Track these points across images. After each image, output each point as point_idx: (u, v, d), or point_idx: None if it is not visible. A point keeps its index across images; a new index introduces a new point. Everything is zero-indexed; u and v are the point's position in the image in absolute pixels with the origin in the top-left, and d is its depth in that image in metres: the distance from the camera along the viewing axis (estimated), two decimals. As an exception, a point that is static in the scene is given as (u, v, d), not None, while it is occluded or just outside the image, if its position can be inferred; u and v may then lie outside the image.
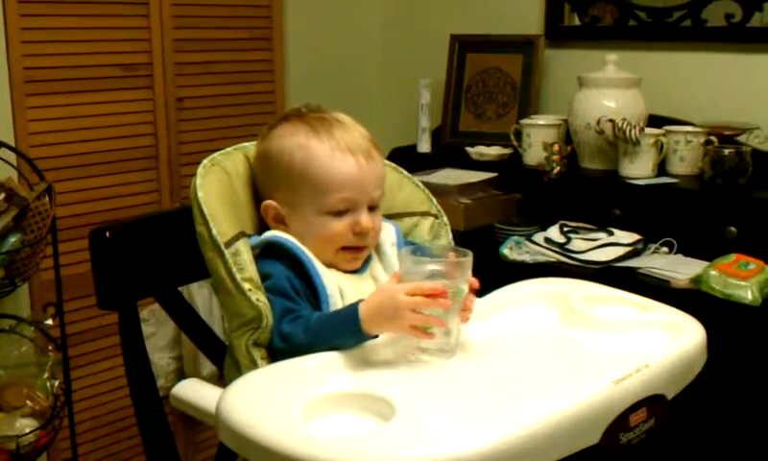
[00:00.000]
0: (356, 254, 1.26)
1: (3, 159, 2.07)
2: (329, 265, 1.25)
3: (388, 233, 1.33)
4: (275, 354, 1.17)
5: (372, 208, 1.27)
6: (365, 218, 1.24)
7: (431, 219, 1.43)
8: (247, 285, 1.18)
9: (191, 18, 2.54)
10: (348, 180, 1.23)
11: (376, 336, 1.12)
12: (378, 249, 1.32)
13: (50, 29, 2.25)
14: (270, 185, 1.28)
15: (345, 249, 1.25)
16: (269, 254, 1.23)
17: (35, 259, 2.03)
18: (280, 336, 1.15)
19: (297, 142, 1.25)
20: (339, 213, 1.24)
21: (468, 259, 1.12)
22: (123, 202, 2.42)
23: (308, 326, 1.14)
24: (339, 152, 1.24)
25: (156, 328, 2.44)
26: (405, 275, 1.11)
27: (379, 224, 1.29)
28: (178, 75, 2.52)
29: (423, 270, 1.10)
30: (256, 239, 1.25)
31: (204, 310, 2.38)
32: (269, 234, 1.25)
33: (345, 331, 1.11)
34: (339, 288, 1.22)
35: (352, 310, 1.11)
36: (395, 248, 1.32)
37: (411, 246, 1.20)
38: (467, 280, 1.12)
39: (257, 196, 1.32)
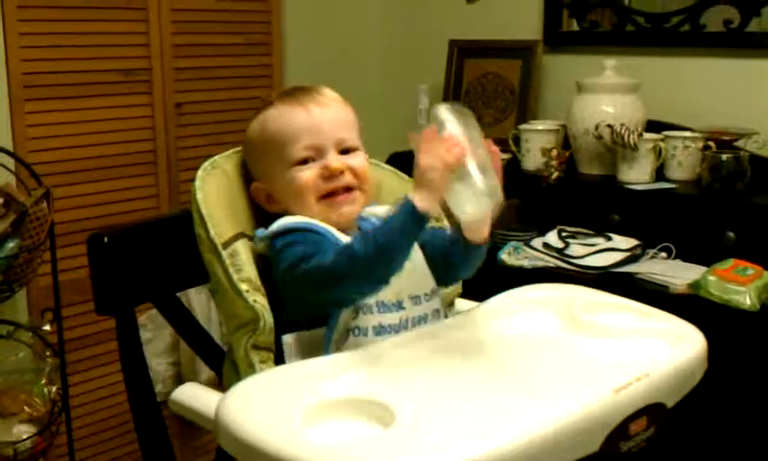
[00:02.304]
0: (339, 199, 1.24)
1: (1, 165, 2.06)
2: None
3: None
4: (331, 280, 1.11)
5: (346, 152, 1.26)
6: (332, 159, 1.23)
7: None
8: (244, 286, 1.17)
9: (190, 24, 2.54)
10: (300, 128, 1.23)
11: (431, 217, 1.11)
12: None
13: (49, 34, 2.25)
14: (253, 170, 1.30)
15: (324, 197, 1.23)
16: (285, 233, 1.21)
17: (33, 265, 2.03)
18: (338, 254, 1.11)
19: (259, 119, 1.29)
20: (304, 162, 1.23)
21: (468, 112, 1.11)
22: (121, 207, 2.42)
23: (366, 237, 1.10)
24: (287, 107, 1.25)
25: (154, 334, 2.44)
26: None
27: (361, 165, 1.26)
28: (177, 80, 2.52)
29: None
30: (263, 231, 1.23)
31: (202, 316, 2.37)
32: (280, 221, 1.23)
33: (403, 220, 1.09)
34: None
35: (402, 201, 1.09)
36: None
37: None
38: (476, 129, 1.11)
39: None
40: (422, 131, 1.09)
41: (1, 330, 2.11)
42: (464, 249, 1.21)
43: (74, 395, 2.28)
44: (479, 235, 1.18)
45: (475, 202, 1.09)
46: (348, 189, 1.24)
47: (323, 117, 1.25)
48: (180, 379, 2.47)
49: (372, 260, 1.08)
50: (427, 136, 1.08)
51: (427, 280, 1.25)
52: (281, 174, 1.24)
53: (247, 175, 1.32)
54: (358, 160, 1.27)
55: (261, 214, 1.30)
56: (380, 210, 1.27)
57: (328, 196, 1.24)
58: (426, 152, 1.08)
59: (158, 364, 2.45)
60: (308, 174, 1.23)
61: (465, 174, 1.08)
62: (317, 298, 1.15)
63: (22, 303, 2.25)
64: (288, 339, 1.18)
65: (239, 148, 1.34)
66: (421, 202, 1.08)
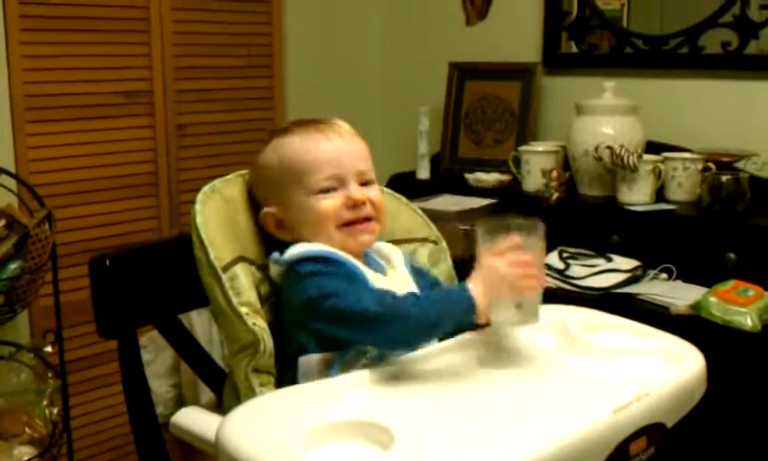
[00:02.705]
0: (360, 228, 1.26)
1: (3, 186, 2.07)
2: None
3: (396, 255, 1.33)
4: (369, 322, 1.12)
5: (365, 185, 1.28)
6: (355, 190, 1.26)
7: (430, 245, 1.43)
8: (244, 310, 1.18)
9: (192, 46, 2.56)
10: (324, 157, 1.25)
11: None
12: (391, 261, 1.32)
13: (51, 56, 2.27)
14: (263, 196, 1.30)
15: (345, 225, 1.25)
16: (308, 260, 1.22)
17: (34, 286, 2.03)
18: (379, 299, 1.13)
19: (274, 145, 1.29)
20: (327, 191, 1.25)
21: (542, 227, 1.16)
22: (123, 228, 2.43)
23: (416, 300, 1.14)
24: (310, 135, 1.27)
25: (155, 356, 2.44)
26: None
27: (379, 198, 1.29)
28: (178, 102, 2.53)
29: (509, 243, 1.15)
30: (279, 256, 1.24)
31: (203, 337, 2.38)
32: (299, 248, 1.23)
33: (457, 310, 1.12)
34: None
35: (463, 291, 1.11)
36: (404, 267, 1.32)
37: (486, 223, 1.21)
38: (543, 249, 1.16)
39: (258, 222, 1.32)
40: (510, 237, 1.14)
41: (2, 352, 2.11)
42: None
43: (75, 416, 2.28)
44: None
45: (511, 316, 1.15)
46: (367, 219, 1.27)
47: (345, 148, 1.27)
48: (180, 401, 2.47)
49: (415, 323, 1.12)
50: (514, 246, 1.12)
51: None
52: (300, 201, 1.25)
53: (247, 201, 1.32)
54: (376, 193, 1.29)
55: (265, 240, 1.31)
56: (385, 247, 1.32)
57: (348, 225, 1.26)
58: (511, 265, 1.11)
59: (159, 386, 2.44)
60: (332, 202, 1.25)
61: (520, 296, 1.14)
62: (337, 333, 1.15)
63: (24, 325, 2.25)
64: (304, 361, 1.18)
65: (240, 172, 1.35)
66: (482, 307, 1.11)
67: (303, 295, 1.18)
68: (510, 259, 1.11)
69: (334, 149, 1.26)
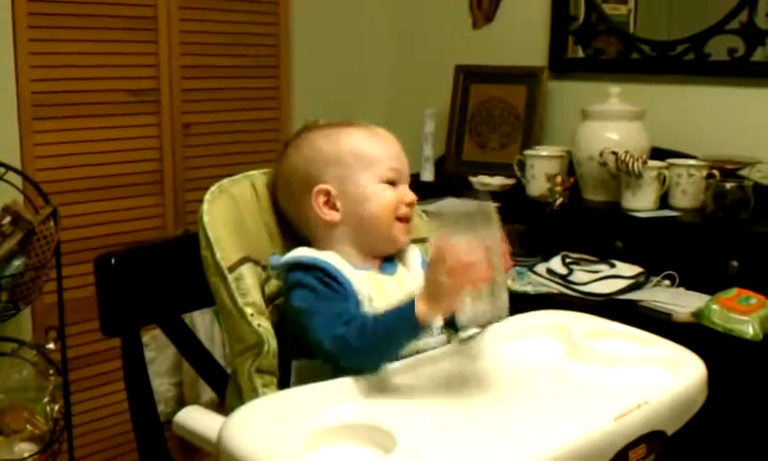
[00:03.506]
0: (408, 226, 1.31)
1: (9, 183, 2.08)
2: (366, 259, 1.28)
3: (413, 253, 1.34)
4: (326, 356, 1.14)
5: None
6: (410, 191, 1.31)
7: (428, 246, 1.43)
8: (249, 310, 1.19)
9: (198, 45, 2.56)
10: (392, 153, 1.30)
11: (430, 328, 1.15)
12: (405, 261, 1.33)
13: (58, 54, 2.27)
14: (316, 175, 1.29)
15: (399, 219, 1.29)
16: (298, 268, 1.23)
17: (38, 283, 2.04)
18: (333, 339, 1.13)
19: (336, 132, 1.31)
20: (391, 183, 1.29)
21: (492, 211, 1.12)
22: (128, 226, 2.43)
23: (364, 330, 1.12)
24: (377, 132, 1.33)
25: (157, 354, 2.44)
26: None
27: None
28: (185, 101, 2.54)
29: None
30: (278, 259, 1.25)
31: (205, 337, 2.38)
32: (295, 254, 1.25)
33: (404, 326, 1.11)
34: (368, 293, 1.22)
35: (409, 307, 1.10)
36: (420, 266, 1.33)
37: (438, 210, 1.20)
38: (496, 231, 1.12)
39: (266, 221, 1.33)
40: (443, 239, 1.09)
41: (5, 348, 2.12)
42: None
43: (76, 413, 2.28)
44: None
45: (479, 317, 1.11)
46: (409, 221, 1.31)
47: (401, 153, 1.32)
48: (182, 400, 2.47)
49: (364, 355, 1.12)
50: (450, 248, 1.07)
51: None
52: (369, 184, 1.27)
53: (255, 202, 1.33)
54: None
55: (272, 240, 1.32)
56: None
57: (402, 219, 1.30)
58: (449, 271, 1.06)
59: (161, 384, 2.45)
60: (396, 195, 1.29)
61: (475, 292, 1.09)
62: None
63: (26, 321, 2.26)
64: (297, 365, 1.19)
65: (247, 173, 1.35)
66: (426, 315, 1.09)
67: (289, 304, 1.21)
68: (446, 258, 1.07)
69: (396, 149, 1.32)
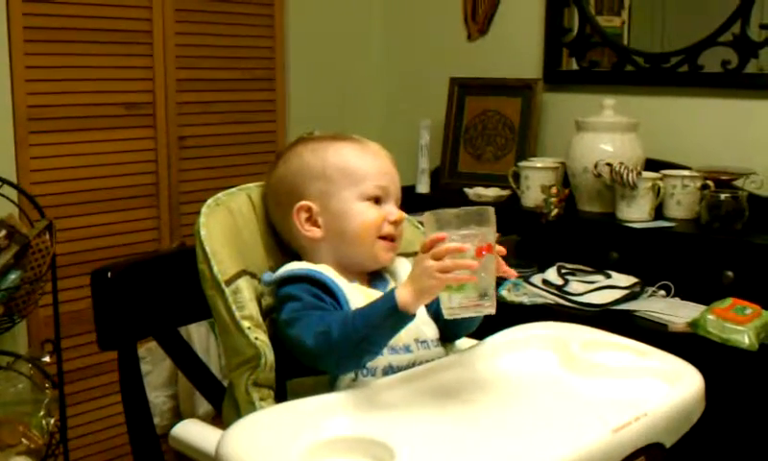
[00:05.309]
0: (392, 245, 1.29)
1: (5, 196, 2.08)
2: (353, 275, 1.27)
3: (403, 267, 1.34)
4: (311, 358, 1.15)
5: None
6: (395, 209, 1.30)
7: None
8: (246, 323, 1.19)
9: (194, 58, 2.57)
10: (380, 169, 1.29)
11: (413, 317, 1.12)
12: (395, 276, 1.33)
13: (54, 67, 2.28)
14: (300, 189, 1.29)
15: (382, 238, 1.28)
16: (288, 282, 1.23)
17: (34, 297, 2.03)
18: (315, 336, 1.14)
19: (325, 146, 1.31)
20: (375, 200, 1.28)
21: (490, 212, 1.11)
22: (123, 239, 2.43)
23: (345, 320, 1.13)
24: (367, 147, 1.32)
25: (153, 367, 2.44)
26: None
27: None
28: (180, 114, 2.54)
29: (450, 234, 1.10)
30: (270, 276, 1.25)
31: (201, 349, 2.38)
32: (287, 268, 1.25)
33: (382, 314, 1.11)
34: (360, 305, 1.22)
35: (389, 295, 1.11)
36: None
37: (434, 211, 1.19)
38: (492, 235, 1.11)
39: (263, 234, 1.33)
40: (432, 232, 1.10)
41: (0, 361, 2.11)
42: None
43: (72, 426, 2.28)
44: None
45: (462, 309, 1.10)
46: (394, 239, 1.30)
47: (391, 169, 1.32)
48: (177, 412, 2.47)
49: (347, 342, 1.11)
50: (438, 237, 1.08)
51: (433, 329, 1.27)
52: (351, 201, 1.27)
53: (252, 215, 1.33)
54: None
55: (269, 253, 1.32)
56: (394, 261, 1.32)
57: (384, 238, 1.28)
58: (434, 255, 1.07)
59: (156, 397, 2.44)
60: (378, 214, 1.28)
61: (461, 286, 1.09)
62: (299, 358, 1.17)
63: (22, 334, 2.25)
64: (292, 385, 1.19)
65: (243, 186, 1.36)
66: (407, 304, 1.10)
67: (280, 318, 1.21)
68: (434, 251, 1.08)
69: (385, 165, 1.31)
